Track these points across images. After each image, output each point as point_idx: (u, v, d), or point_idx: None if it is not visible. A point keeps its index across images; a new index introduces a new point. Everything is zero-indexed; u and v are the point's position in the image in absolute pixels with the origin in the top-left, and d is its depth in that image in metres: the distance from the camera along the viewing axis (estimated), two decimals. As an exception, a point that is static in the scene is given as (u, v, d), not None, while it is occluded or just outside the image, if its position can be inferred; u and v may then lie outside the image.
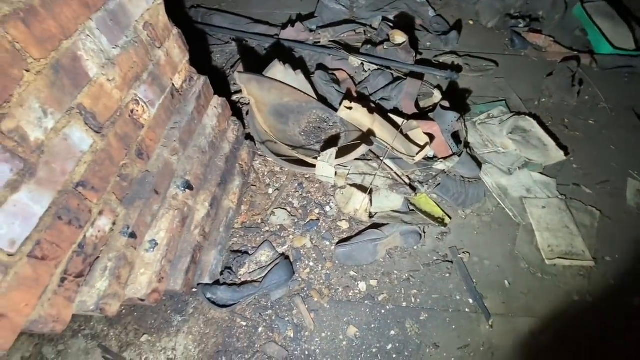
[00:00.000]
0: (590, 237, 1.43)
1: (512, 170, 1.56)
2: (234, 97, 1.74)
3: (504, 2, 2.19)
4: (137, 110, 0.95)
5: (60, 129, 0.72)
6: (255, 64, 1.85)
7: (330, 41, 1.98)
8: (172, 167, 1.11)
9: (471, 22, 2.24)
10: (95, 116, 0.81)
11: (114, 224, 0.91)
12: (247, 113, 1.68)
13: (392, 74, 1.79)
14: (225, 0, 2.35)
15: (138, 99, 0.95)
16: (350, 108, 1.49)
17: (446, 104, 1.55)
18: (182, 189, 1.12)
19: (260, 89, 1.52)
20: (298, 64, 1.81)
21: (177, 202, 1.10)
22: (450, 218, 1.43)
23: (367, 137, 1.49)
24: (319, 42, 1.97)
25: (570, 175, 1.60)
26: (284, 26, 2.05)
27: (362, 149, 1.34)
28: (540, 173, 1.59)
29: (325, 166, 1.36)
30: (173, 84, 1.11)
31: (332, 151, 1.36)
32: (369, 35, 2.05)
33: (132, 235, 0.95)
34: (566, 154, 1.62)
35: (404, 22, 2.09)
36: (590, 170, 1.62)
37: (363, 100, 1.68)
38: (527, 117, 1.73)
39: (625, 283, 1.33)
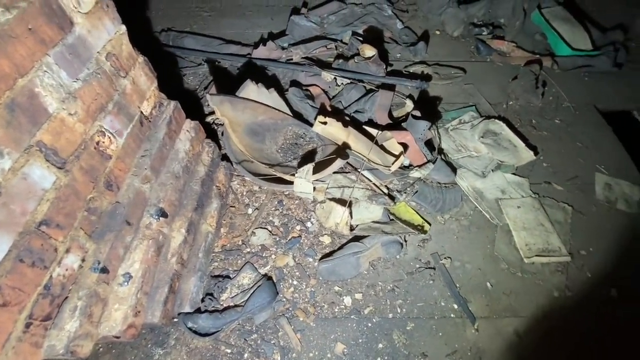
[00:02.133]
0: (564, 232, 1.48)
1: (486, 173, 1.61)
2: (209, 119, 1.74)
3: (467, 12, 2.30)
4: (104, 142, 0.94)
5: (18, 168, 0.71)
6: (229, 84, 1.86)
7: (302, 58, 2.03)
8: (145, 195, 1.10)
9: (438, 32, 2.34)
10: (57, 152, 0.80)
11: (83, 260, 0.88)
12: (222, 134, 1.68)
13: (364, 86, 1.84)
14: (196, 22, 2.37)
15: (104, 130, 0.94)
16: (324, 123, 1.51)
17: (417, 113, 1.60)
18: (156, 217, 1.10)
19: (233, 110, 1.53)
20: (271, 82, 1.83)
21: (151, 232, 1.08)
22: (430, 225, 1.45)
23: (343, 150, 1.51)
24: (292, 59, 2.01)
25: (542, 174, 1.67)
26: (255, 45, 2.09)
27: (338, 163, 1.36)
28: (513, 174, 1.65)
29: (303, 182, 1.37)
30: (141, 112, 1.11)
31: (309, 167, 1.37)
32: (340, 50, 2.10)
33: (104, 270, 0.92)
34: (536, 153, 1.69)
35: (373, 36, 2.16)
36: (560, 168, 1.69)
37: (337, 114, 1.71)
38: (496, 120, 1.80)
39: (601, 275, 1.37)
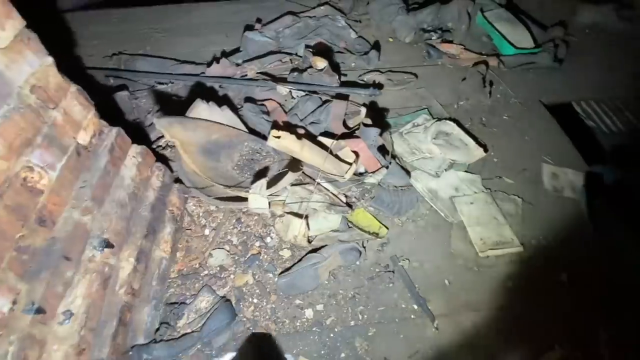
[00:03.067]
0: (516, 224, 1.54)
1: (439, 173, 1.67)
2: (161, 141, 1.72)
3: (417, 19, 2.40)
4: (33, 177, 0.92)
5: None
6: (182, 105, 1.86)
7: (257, 73, 2.05)
8: (86, 227, 1.08)
9: (390, 40, 2.43)
10: (-26, 193, 0.77)
11: (14, 302, 0.85)
12: (174, 156, 1.67)
13: (320, 97, 1.88)
14: (149, 44, 2.36)
15: (32, 165, 0.92)
16: (278, 137, 1.53)
17: (368, 121, 1.65)
18: (100, 249, 1.08)
19: (184, 130, 1.52)
20: (224, 100, 1.85)
21: (95, 264, 1.05)
22: (388, 228, 1.49)
23: (297, 163, 1.53)
24: (246, 75, 2.03)
25: (493, 169, 1.74)
26: (209, 64, 2.10)
27: (290, 177, 1.38)
28: (466, 171, 1.71)
29: (258, 198, 1.38)
30: (78, 142, 1.09)
31: (263, 182, 1.38)
32: (295, 62, 2.15)
33: (40, 311, 0.89)
34: (486, 150, 1.77)
35: (325, 48, 2.22)
36: (509, 162, 1.78)
37: (293, 127, 1.74)
38: (448, 121, 1.87)
39: (551, 261, 1.44)
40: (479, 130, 1.90)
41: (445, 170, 1.69)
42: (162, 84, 2.04)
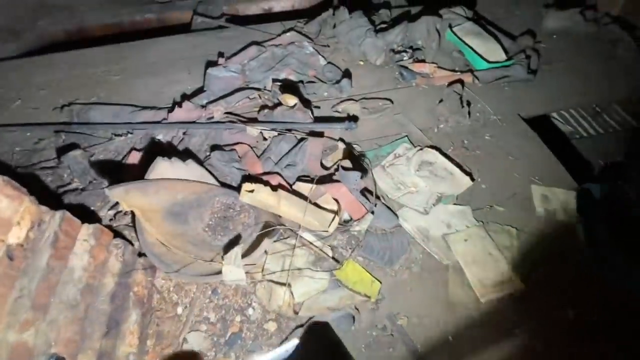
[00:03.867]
0: (513, 257, 1.47)
1: (427, 209, 1.58)
2: (120, 207, 1.56)
3: (386, 40, 2.34)
4: (-54, 309, 0.76)
5: None
6: (144, 158, 1.70)
7: (225, 114, 1.92)
8: (27, 346, 0.91)
9: (361, 63, 2.35)
10: None
11: None
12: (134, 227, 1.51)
13: (295, 136, 1.77)
14: (104, 89, 2.18)
15: (-56, 293, 0.76)
16: (251, 191, 1.40)
17: (347, 164, 1.55)
18: (46, 369, 0.91)
19: (144, 195, 1.37)
20: (187, 152, 1.71)
21: (40, 391, 0.89)
22: (380, 282, 1.38)
23: (276, 217, 1.41)
24: (213, 117, 1.90)
25: (482, 197, 1.67)
26: (171, 108, 1.95)
27: (268, 242, 1.25)
28: (455, 204, 1.64)
29: (233, 269, 1.24)
30: (9, 244, 0.93)
31: (237, 251, 1.25)
32: (265, 97, 2.03)
33: None
34: (472, 178, 1.70)
35: (293, 82, 2.11)
36: (497, 187, 1.71)
37: (267, 174, 1.61)
38: (429, 149, 1.80)
39: (556, 297, 1.37)
40: (462, 155, 1.84)
41: (434, 205, 1.61)
42: (119, 135, 1.87)
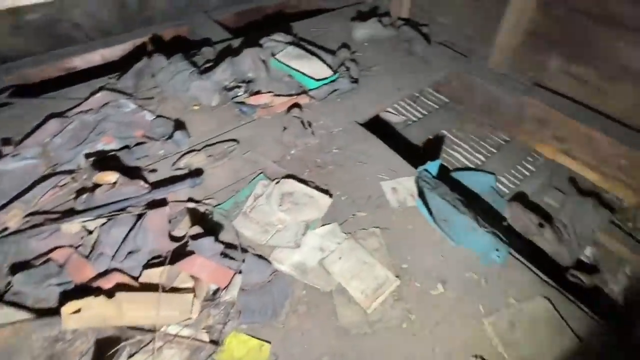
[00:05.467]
0: (383, 256, 1.63)
1: (298, 242, 1.62)
2: None
3: (213, 79, 2.32)
4: None
5: None
6: None
7: (25, 217, 1.55)
8: None
9: (196, 108, 2.28)
10: None
11: None
12: None
13: (131, 215, 1.55)
14: None
15: None
16: (77, 311, 1.15)
17: (196, 229, 1.44)
18: None
19: None
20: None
21: None
22: (269, 342, 1.32)
23: (125, 331, 1.19)
24: (8, 229, 1.50)
25: (344, 209, 1.81)
26: None
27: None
28: (323, 225, 1.72)
29: None
30: None
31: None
32: (83, 177, 1.73)
33: None
34: (330, 195, 1.82)
35: (115, 149, 1.88)
36: (355, 194, 1.88)
37: (103, 275, 1.36)
38: (286, 179, 1.85)
39: (426, 278, 1.57)
40: (317, 174, 1.96)
41: (303, 235, 1.65)
42: None
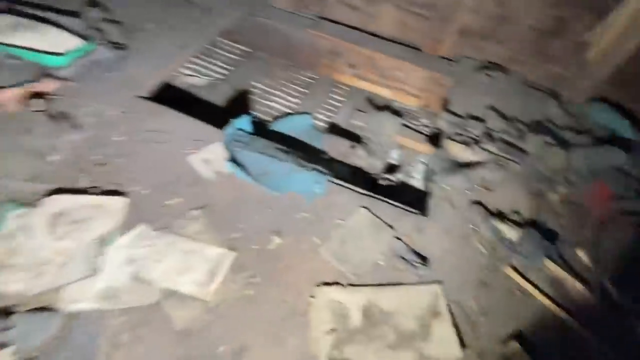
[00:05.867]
0: (211, 236, 1.49)
1: (94, 267, 1.28)
2: None
3: None
4: None
5: None
6: None
7: None
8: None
9: None
10: None
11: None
12: None
13: None
14: None
15: None
16: None
17: None
18: None
19: None
20: None
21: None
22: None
23: None
24: None
25: (149, 203, 1.52)
26: None
27: None
28: (124, 233, 1.41)
29: None
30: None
31: None
32: None
33: None
34: (124, 195, 1.49)
35: None
36: (160, 179, 1.61)
37: None
38: (50, 198, 1.39)
39: (264, 238, 1.53)
40: (99, 175, 1.56)
41: (100, 255, 1.31)
42: None
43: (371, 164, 2.38)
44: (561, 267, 1.66)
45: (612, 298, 1.61)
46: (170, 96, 2.09)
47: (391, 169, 2.57)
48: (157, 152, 1.72)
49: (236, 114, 1.91)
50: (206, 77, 2.74)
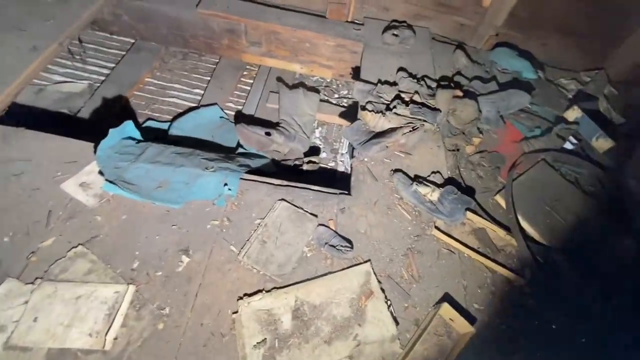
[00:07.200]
0: (103, 272, 1.30)
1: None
2: None
3: None
4: None
5: None
6: None
7: None
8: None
9: None
10: None
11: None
12: None
13: None
14: None
15: None
16: None
17: None
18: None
19: None
20: None
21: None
22: None
23: None
24: None
25: (13, 253, 1.29)
26: None
27: None
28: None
29: None
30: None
31: None
32: None
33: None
34: None
35: None
36: (12, 227, 1.36)
37: None
38: None
39: (170, 261, 1.38)
40: None
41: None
42: None
43: (292, 149, 2.28)
44: (482, 217, 1.74)
45: (530, 236, 1.75)
46: (35, 113, 1.77)
47: (316, 150, 2.50)
48: (16, 186, 1.44)
49: (124, 120, 1.68)
50: (84, 81, 2.39)
